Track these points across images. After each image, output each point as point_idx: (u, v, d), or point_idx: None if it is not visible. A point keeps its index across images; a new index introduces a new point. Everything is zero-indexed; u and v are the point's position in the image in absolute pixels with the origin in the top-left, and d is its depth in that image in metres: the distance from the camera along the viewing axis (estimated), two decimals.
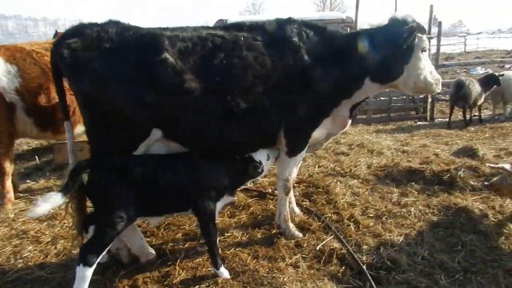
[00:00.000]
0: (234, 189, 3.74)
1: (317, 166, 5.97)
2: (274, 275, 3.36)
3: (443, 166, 5.43)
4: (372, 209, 4.52)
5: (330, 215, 4.37)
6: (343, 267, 3.54)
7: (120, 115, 3.07)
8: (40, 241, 3.95)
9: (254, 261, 3.57)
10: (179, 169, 3.25)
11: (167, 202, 3.29)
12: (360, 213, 4.42)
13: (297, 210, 4.45)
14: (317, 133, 3.98)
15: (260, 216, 4.42)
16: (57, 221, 4.28)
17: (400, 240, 3.90)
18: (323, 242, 3.84)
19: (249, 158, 3.66)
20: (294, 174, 3.97)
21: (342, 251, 3.72)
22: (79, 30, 3.08)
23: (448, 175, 5.19)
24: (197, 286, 3.22)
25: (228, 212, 4.55)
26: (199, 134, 3.33)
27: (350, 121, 4.19)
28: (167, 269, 3.47)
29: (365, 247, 3.78)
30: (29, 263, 3.60)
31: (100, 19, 3.35)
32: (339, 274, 3.45)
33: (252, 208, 4.63)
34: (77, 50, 2.94)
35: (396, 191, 5.00)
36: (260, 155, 3.73)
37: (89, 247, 2.92)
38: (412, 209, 4.49)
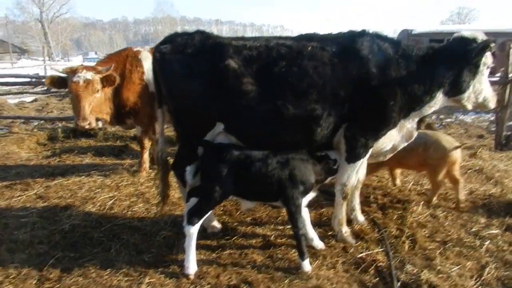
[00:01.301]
0: (317, 185, 4.13)
1: (413, 184, 5.84)
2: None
3: None
4: (442, 234, 4.37)
5: (392, 230, 4.43)
6: (377, 279, 3.68)
7: (192, 107, 3.89)
8: (149, 202, 5.17)
9: (296, 253, 3.97)
10: (273, 163, 3.76)
11: (258, 190, 3.85)
12: (425, 235, 4.34)
13: (361, 218, 4.64)
14: (381, 144, 4.16)
15: (326, 218, 4.76)
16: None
17: (453, 269, 3.77)
18: (368, 252, 4.02)
19: (326, 156, 4.07)
20: (352, 180, 4.18)
21: (383, 264, 3.85)
22: (172, 38, 4.01)
23: None
24: (239, 260, 3.88)
25: None
26: (252, 132, 3.91)
27: (416, 133, 4.22)
28: (224, 242, 4.21)
29: (409, 266, 3.80)
30: (134, 216, 4.81)
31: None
32: (370, 284, 3.62)
33: (323, 210, 4.99)
34: (166, 54, 3.87)
35: (483, 222, 4.64)
36: (335, 154, 4.10)
37: (193, 212, 3.70)
38: (487, 243, 4.18)
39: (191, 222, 3.64)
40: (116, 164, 6.82)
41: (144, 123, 5.99)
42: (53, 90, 12.56)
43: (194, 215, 3.67)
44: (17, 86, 14.72)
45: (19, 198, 5.38)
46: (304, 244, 3.77)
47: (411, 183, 5.83)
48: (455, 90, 4.00)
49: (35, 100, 16.26)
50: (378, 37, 3.97)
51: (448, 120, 12.79)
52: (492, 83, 11.17)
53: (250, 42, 3.95)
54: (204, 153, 3.88)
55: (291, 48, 3.88)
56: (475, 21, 63.39)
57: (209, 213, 3.86)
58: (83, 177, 6.10)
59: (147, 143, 6.24)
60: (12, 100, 15.77)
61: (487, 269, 3.78)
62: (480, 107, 4.22)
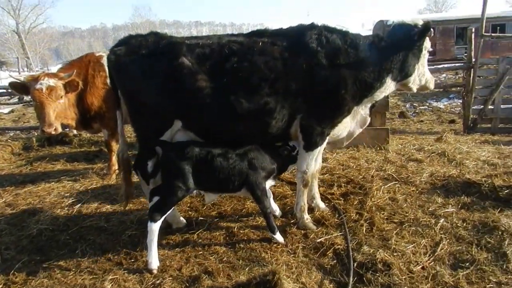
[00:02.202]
0: (278, 172, 4.37)
1: (377, 170, 6.01)
2: (268, 255, 3.89)
3: (507, 182, 4.95)
4: (400, 215, 4.53)
5: (352, 214, 4.58)
6: (335, 261, 3.82)
7: (149, 107, 3.98)
8: (117, 203, 5.24)
9: (258, 242, 4.12)
10: (232, 156, 3.95)
11: (220, 183, 3.98)
12: (383, 217, 4.50)
13: (322, 205, 4.78)
14: (337, 131, 4.31)
15: (289, 207, 4.88)
16: None
17: (408, 247, 3.93)
18: (327, 236, 4.16)
19: (286, 144, 4.31)
20: (311, 167, 4.32)
21: (341, 247, 3.99)
22: (126, 40, 4.10)
23: (507, 191, 4.73)
24: (202, 252, 3.99)
25: None
26: (210, 128, 4.02)
27: (369, 119, 4.41)
28: (188, 236, 4.31)
29: (365, 247, 3.93)
30: (102, 217, 4.89)
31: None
32: (328, 267, 3.74)
33: (287, 200, 5.13)
34: (121, 56, 3.95)
35: (440, 202, 4.83)
36: (294, 142, 4.31)
37: (155, 209, 3.77)
38: (442, 221, 4.35)
39: (153, 219, 3.73)
40: (87, 168, 6.86)
41: (110, 126, 6.05)
42: (29, 99, 12.51)
43: (156, 212, 3.76)
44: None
45: None
46: (272, 220, 4.10)
47: (374, 169, 6.00)
48: (402, 74, 4.21)
49: (12, 111, 16.13)
50: (326, 29, 4.11)
51: (422, 107, 13.09)
52: (457, 68, 11.57)
53: (203, 40, 4.05)
54: (164, 152, 3.97)
55: (242, 44, 3.99)
56: (452, 8, 64.40)
57: (171, 209, 3.96)
58: (52, 183, 6.14)
59: (115, 146, 6.30)
60: None
61: (440, 245, 3.94)
62: (423, 89, 4.48)
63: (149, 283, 3.55)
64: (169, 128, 4.05)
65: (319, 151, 4.38)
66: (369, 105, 4.38)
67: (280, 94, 3.93)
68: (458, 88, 11.52)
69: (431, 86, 4.49)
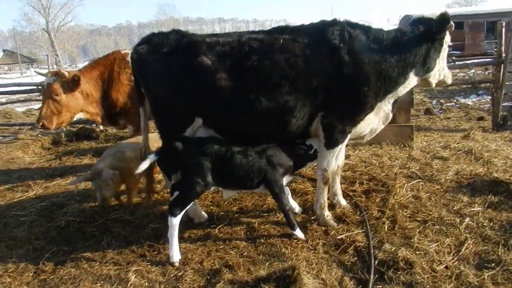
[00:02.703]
0: (295, 168, 4.37)
1: (400, 168, 5.92)
2: (288, 251, 3.91)
3: None
4: (423, 214, 4.46)
5: (374, 212, 4.54)
6: (356, 259, 3.80)
7: (171, 104, 4.05)
8: (142, 196, 5.36)
9: (278, 238, 4.15)
10: (252, 153, 3.99)
11: (239, 180, 4.05)
12: (406, 215, 4.44)
13: (343, 202, 4.75)
14: (359, 128, 4.27)
15: (310, 204, 4.88)
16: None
17: (431, 246, 3.87)
18: (348, 233, 4.14)
19: (303, 142, 4.28)
20: (332, 165, 4.30)
21: (362, 244, 3.96)
22: (149, 38, 4.17)
23: None
24: (223, 246, 4.05)
25: None
26: (229, 126, 4.05)
27: (391, 115, 4.37)
28: (209, 230, 4.37)
29: (387, 245, 3.89)
30: (126, 210, 5.00)
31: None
32: (349, 263, 3.73)
33: (308, 196, 5.13)
34: (143, 54, 4.03)
35: (465, 200, 4.72)
36: (313, 141, 4.29)
37: (175, 204, 3.84)
38: (467, 220, 4.26)
39: (173, 214, 3.80)
40: None
41: (135, 122, 6.14)
42: None
43: (176, 206, 3.83)
44: (24, 95, 15.12)
45: (19, 199, 5.63)
46: (291, 217, 4.12)
47: (398, 167, 5.91)
48: (424, 68, 4.17)
49: None
50: (349, 25, 4.08)
51: (449, 104, 12.76)
52: (486, 63, 11.18)
53: (223, 38, 4.08)
54: (184, 148, 4.00)
55: (263, 42, 3.99)
56: (482, 2, 62.41)
57: (190, 204, 4.01)
58: None
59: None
60: (20, 108, 16.19)
61: (465, 245, 3.86)
62: (441, 84, 4.46)
63: (171, 275, 3.63)
64: (190, 125, 4.11)
65: (340, 149, 4.35)
66: (392, 101, 4.32)
67: (301, 92, 3.92)
68: (488, 84, 11.15)
69: (449, 81, 4.46)
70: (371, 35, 4.03)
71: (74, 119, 5.88)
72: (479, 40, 25.77)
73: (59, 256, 4.09)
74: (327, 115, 4.07)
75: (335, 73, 3.92)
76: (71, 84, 5.47)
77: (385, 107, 4.31)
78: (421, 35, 4.04)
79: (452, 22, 4.05)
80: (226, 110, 3.95)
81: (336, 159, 4.35)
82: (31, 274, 3.81)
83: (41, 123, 5.50)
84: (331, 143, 4.18)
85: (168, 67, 3.96)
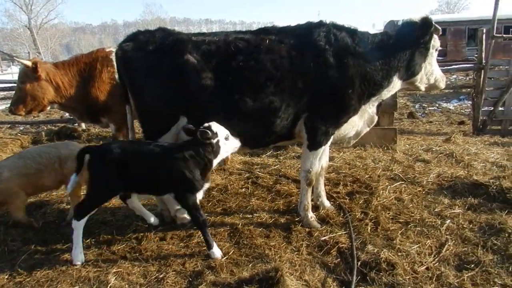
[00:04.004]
0: (205, 172, 3.85)
1: (383, 170, 5.96)
2: (272, 252, 3.89)
3: None
4: (405, 216, 4.50)
5: (357, 213, 4.55)
6: (339, 260, 3.81)
7: (155, 103, 4.00)
8: None
9: (262, 239, 4.12)
10: (153, 159, 3.73)
11: (143, 185, 3.87)
12: (388, 217, 4.47)
13: (327, 203, 4.76)
14: (343, 130, 4.28)
15: (294, 205, 4.86)
16: None
17: (413, 247, 3.90)
18: (331, 235, 4.14)
19: (200, 128, 3.69)
20: (315, 166, 4.29)
21: (345, 246, 3.97)
22: (134, 35, 4.13)
23: None
24: (203, 249, 3.97)
25: (270, 198, 5.14)
26: None
27: (376, 118, 4.38)
28: (192, 231, 4.31)
29: (369, 246, 3.92)
30: (108, 211, 4.91)
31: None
32: (332, 265, 3.74)
33: (293, 198, 5.11)
34: (128, 51, 3.98)
35: (446, 203, 4.78)
36: (219, 129, 3.73)
37: (80, 208, 3.80)
38: (448, 222, 4.32)
39: (77, 217, 3.75)
40: None
41: (116, 121, 6.07)
42: None
43: (80, 211, 3.78)
44: (4, 92, 14.78)
45: None
46: (208, 234, 3.80)
47: (381, 169, 5.96)
48: (409, 73, 4.18)
49: None
50: (334, 27, 4.08)
51: (431, 108, 12.97)
52: (467, 69, 11.42)
53: (209, 37, 4.05)
54: (90, 157, 3.80)
55: (249, 42, 3.97)
56: (464, 10, 63.72)
57: (95, 210, 3.89)
58: None
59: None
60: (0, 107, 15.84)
61: (445, 246, 3.91)
62: (432, 88, 4.44)
63: (153, 277, 3.57)
64: (175, 124, 4.06)
65: (324, 150, 4.35)
66: (376, 104, 4.35)
67: (286, 93, 3.91)
68: (469, 89, 11.40)
69: (441, 85, 4.43)
70: (356, 38, 4.05)
71: (47, 108, 5.90)
72: (461, 46, 26.30)
73: (36, 257, 3.98)
74: (311, 116, 4.07)
75: (320, 74, 3.92)
76: (32, 72, 5.38)
77: (369, 110, 4.34)
78: (405, 39, 4.05)
79: (438, 26, 4.08)
80: (211, 110, 3.91)
81: (320, 160, 4.35)
82: (6, 277, 3.69)
83: (10, 109, 5.63)
84: (314, 145, 4.18)
85: (153, 65, 3.91)
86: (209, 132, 3.63)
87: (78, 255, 3.80)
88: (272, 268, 3.37)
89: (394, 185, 5.32)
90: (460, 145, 7.25)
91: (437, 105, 13.37)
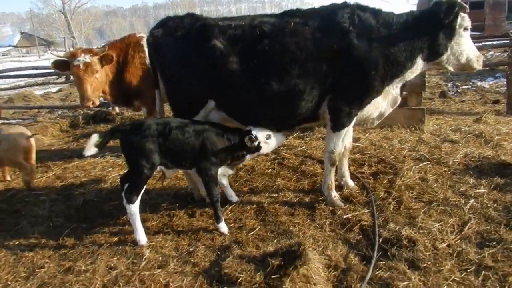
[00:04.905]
0: (232, 159, 4.24)
1: (409, 151, 5.97)
2: (296, 229, 4.07)
3: None
4: (429, 195, 4.54)
5: (380, 193, 4.64)
6: (361, 237, 3.94)
7: (184, 87, 4.20)
8: (156, 177, 5.56)
9: (287, 217, 4.30)
10: (188, 133, 3.93)
11: (175, 158, 4.03)
12: (412, 196, 4.53)
13: (351, 183, 4.86)
14: (367, 111, 4.34)
15: (319, 185, 4.99)
16: None
17: (435, 226, 3.97)
18: (354, 213, 4.27)
19: (247, 132, 4.12)
20: (339, 147, 4.38)
21: (368, 223, 4.09)
22: (164, 22, 4.31)
23: None
24: (233, 224, 4.25)
25: (295, 178, 5.29)
26: (241, 108, 4.18)
27: (400, 99, 4.39)
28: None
29: (391, 224, 4.01)
30: None
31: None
32: (354, 241, 3.87)
33: (317, 178, 5.24)
34: (158, 37, 4.17)
35: (471, 182, 4.78)
36: (259, 132, 4.13)
37: (129, 191, 3.92)
38: (472, 201, 4.33)
39: (130, 201, 3.89)
40: None
41: (148, 105, 6.33)
42: None
43: (131, 194, 3.90)
44: (42, 78, 15.50)
45: (39, 179, 5.90)
46: (219, 209, 4.07)
47: (407, 149, 5.97)
48: (434, 54, 4.13)
49: (60, 90, 17.04)
50: (358, 8, 4.10)
51: (465, 86, 12.61)
52: (505, 45, 10.96)
53: (235, 22, 4.17)
54: (124, 135, 3.96)
55: (274, 25, 4.07)
56: None
57: (143, 188, 3.99)
58: (97, 158, 6.56)
59: None
60: (38, 91, 16.61)
61: (468, 224, 3.94)
62: (465, 69, 4.32)
63: (184, 250, 3.83)
64: (203, 107, 4.25)
65: (347, 131, 4.43)
66: (400, 85, 4.36)
67: (310, 75, 4.00)
68: (505, 66, 10.98)
69: (476, 66, 4.22)
70: (380, 19, 4.06)
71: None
72: (500, 20, 25.07)
73: (78, 232, 4.33)
74: (334, 98, 4.15)
75: (343, 56, 3.98)
76: (104, 61, 5.59)
77: (393, 91, 4.35)
78: (430, 20, 4.01)
79: (464, 4, 3.95)
80: (237, 93, 4.07)
81: (343, 141, 4.44)
82: (52, 249, 4.05)
83: (91, 102, 5.53)
84: (338, 126, 4.26)
85: (182, 50, 4.09)
86: (254, 138, 4.05)
87: (142, 237, 3.97)
88: (295, 242, 3.53)
89: (419, 165, 5.34)
90: (491, 125, 7.11)
91: (471, 83, 12.95)
